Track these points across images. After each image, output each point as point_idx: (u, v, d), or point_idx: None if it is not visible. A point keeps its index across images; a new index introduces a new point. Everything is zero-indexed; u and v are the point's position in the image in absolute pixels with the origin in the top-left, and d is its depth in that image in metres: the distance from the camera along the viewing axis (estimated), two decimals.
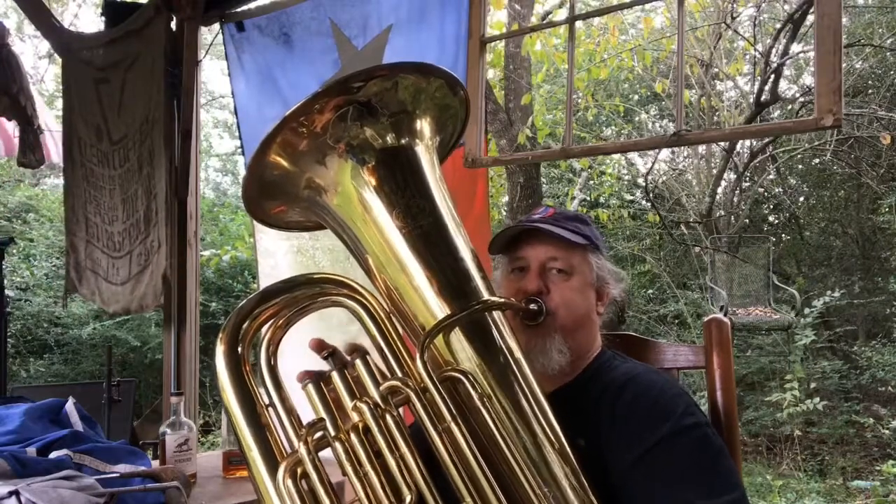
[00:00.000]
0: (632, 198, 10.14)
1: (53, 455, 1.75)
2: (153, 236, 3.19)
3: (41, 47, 9.44)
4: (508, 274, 1.34)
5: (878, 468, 5.90)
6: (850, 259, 9.46)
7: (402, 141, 1.04)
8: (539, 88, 6.88)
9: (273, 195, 1.06)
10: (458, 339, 0.99)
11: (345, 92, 0.97)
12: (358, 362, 0.99)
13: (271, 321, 1.04)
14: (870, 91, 8.44)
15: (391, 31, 2.61)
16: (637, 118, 10.24)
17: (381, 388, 0.94)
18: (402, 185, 1.03)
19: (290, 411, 0.98)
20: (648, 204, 9.20)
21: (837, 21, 1.73)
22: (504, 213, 7.27)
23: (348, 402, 0.96)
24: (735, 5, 6.92)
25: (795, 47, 7.19)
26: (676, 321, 8.74)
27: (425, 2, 2.55)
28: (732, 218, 9.07)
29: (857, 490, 5.60)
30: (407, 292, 1.01)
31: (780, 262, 9.18)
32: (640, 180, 9.71)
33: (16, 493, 1.51)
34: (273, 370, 1.02)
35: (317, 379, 0.99)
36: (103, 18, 3.50)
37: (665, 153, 9.23)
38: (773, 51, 6.83)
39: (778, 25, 7.01)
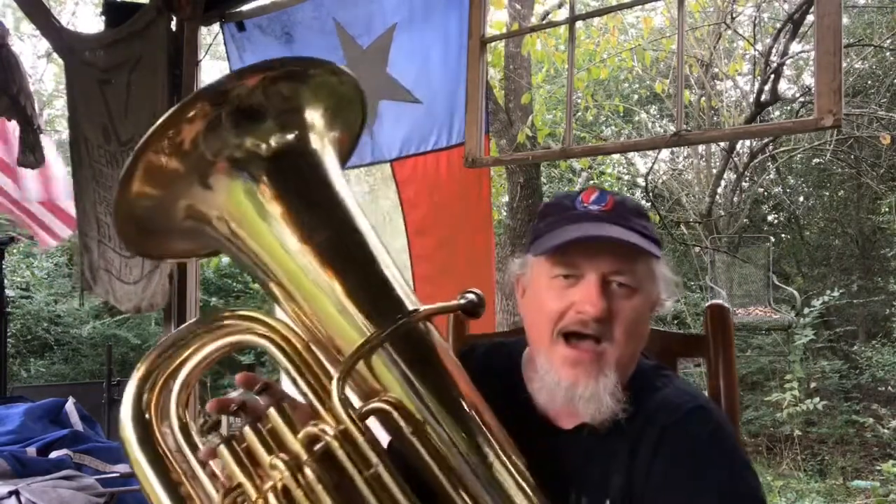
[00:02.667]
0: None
1: (53, 455, 1.75)
2: None
3: (39, 46, 9.45)
4: (551, 279, 1.04)
5: (878, 468, 5.90)
6: (849, 259, 9.47)
7: (288, 146, 0.93)
8: (539, 88, 6.88)
9: (151, 231, 0.95)
10: (382, 360, 0.89)
11: (215, 99, 0.87)
12: (271, 411, 0.89)
13: (178, 379, 0.96)
14: (870, 91, 8.44)
15: (395, 30, 2.61)
16: (637, 118, 10.24)
17: (298, 436, 0.86)
18: (293, 200, 0.92)
19: (213, 477, 0.91)
20: (648, 204, 9.20)
21: (837, 21, 1.73)
22: (504, 213, 7.27)
23: (266, 459, 0.87)
24: (735, 5, 6.92)
25: (795, 47, 7.19)
26: (676, 321, 8.74)
27: (429, 1, 2.55)
28: (732, 218, 9.07)
29: (857, 490, 5.60)
30: (321, 320, 0.92)
31: (779, 262, 9.18)
32: (640, 180, 9.72)
33: (16, 493, 1.52)
34: (188, 433, 0.93)
35: (228, 439, 0.89)
36: (103, 18, 3.50)
37: (665, 153, 9.24)
38: (773, 51, 6.83)
39: (778, 25, 7.01)
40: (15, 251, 7.93)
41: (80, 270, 3.79)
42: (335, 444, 0.84)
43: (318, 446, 0.84)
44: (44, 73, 10.04)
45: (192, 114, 0.86)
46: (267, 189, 0.91)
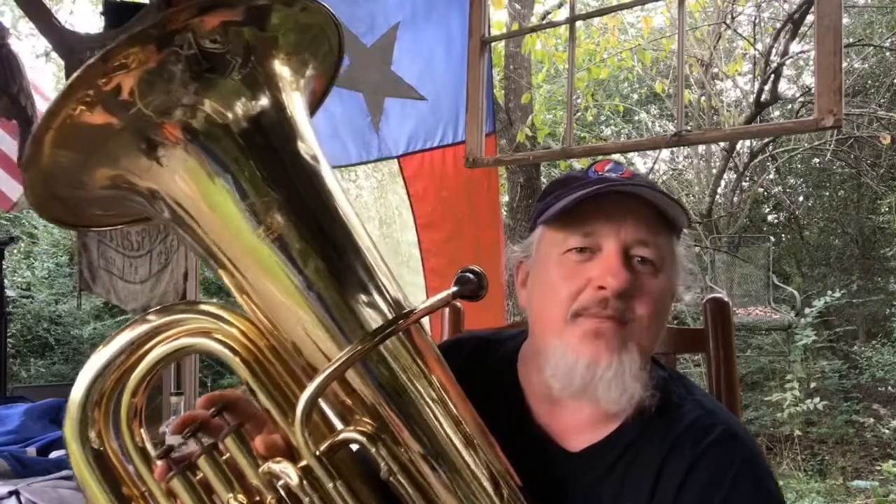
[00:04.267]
0: None
1: (53, 455, 1.75)
2: (172, 235, 3.25)
3: (38, 46, 9.45)
4: (562, 255, 0.89)
5: (878, 468, 5.90)
6: (849, 259, 9.47)
7: (257, 113, 0.75)
8: (539, 88, 6.88)
9: (66, 197, 0.78)
10: (360, 374, 0.76)
11: (155, 43, 0.67)
12: (228, 441, 0.77)
13: (125, 392, 0.82)
14: (870, 91, 8.44)
15: (399, 28, 2.62)
16: (637, 118, 10.24)
17: (260, 470, 0.76)
18: (249, 179, 0.74)
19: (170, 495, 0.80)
20: None
21: (837, 21, 1.73)
22: (504, 213, 7.28)
23: (224, 497, 0.77)
24: (735, 5, 6.92)
25: (795, 47, 7.20)
26: (676, 321, 8.74)
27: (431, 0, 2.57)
28: (732, 218, 9.07)
29: (857, 490, 5.60)
30: (283, 325, 0.77)
31: (780, 261, 9.18)
32: None
33: (16, 493, 1.52)
34: (144, 452, 0.82)
35: (183, 469, 0.78)
36: (103, 18, 3.50)
37: (665, 153, 9.24)
38: (773, 51, 6.83)
39: (778, 25, 7.01)
40: (15, 251, 7.94)
41: (79, 270, 3.82)
42: (300, 492, 0.73)
43: (280, 483, 0.75)
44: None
45: (126, 62, 0.67)
46: (226, 165, 0.73)
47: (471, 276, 0.75)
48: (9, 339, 3.19)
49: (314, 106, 0.87)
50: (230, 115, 0.73)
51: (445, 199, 2.58)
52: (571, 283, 0.87)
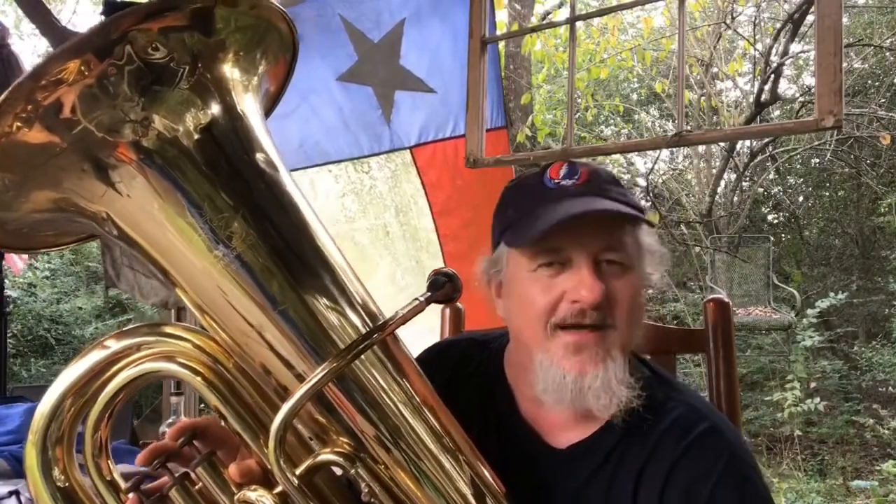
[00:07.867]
0: None
1: None
2: None
3: (39, 46, 9.46)
4: (532, 272, 0.90)
5: (878, 468, 5.90)
6: (849, 259, 9.47)
7: (210, 126, 0.71)
8: (539, 88, 6.88)
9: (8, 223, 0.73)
10: (334, 391, 0.72)
11: (95, 53, 0.62)
12: (199, 471, 0.76)
13: (87, 423, 0.80)
14: (870, 91, 8.43)
15: (405, 24, 2.65)
16: (637, 118, 10.25)
17: (236, 497, 0.74)
18: (203, 196, 0.70)
19: None
20: (649, 203, 9.20)
21: (838, 21, 1.73)
22: None
23: None
24: (735, 5, 6.92)
25: (795, 47, 7.19)
26: (676, 322, 8.74)
27: None
28: (732, 218, 9.07)
29: (858, 490, 5.60)
30: (251, 348, 0.73)
31: (780, 261, 9.18)
32: (641, 180, 9.72)
33: (16, 492, 1.52)
34: (114, 485, 0.80)
35: (154, 502, 0.77)
36: (103, 18, 3.51)
37: (665, 153, 9.24)
38: (773, 51, 6.83)
39: (778, 25, 7.01)
40: None
41: (104, 268, 3.88)
42: None
43: None
44: None
45: (63, 77, 0.61)
46: (178, 182, 0.69)
47: (444, 279, 0.72)
48: (9, 339, 3.20)
49: (273, 100, 0.83)
50: (180, 129, 0.68)
51: (460, 187, 2.62)
52: (547, 296, 0.88)
